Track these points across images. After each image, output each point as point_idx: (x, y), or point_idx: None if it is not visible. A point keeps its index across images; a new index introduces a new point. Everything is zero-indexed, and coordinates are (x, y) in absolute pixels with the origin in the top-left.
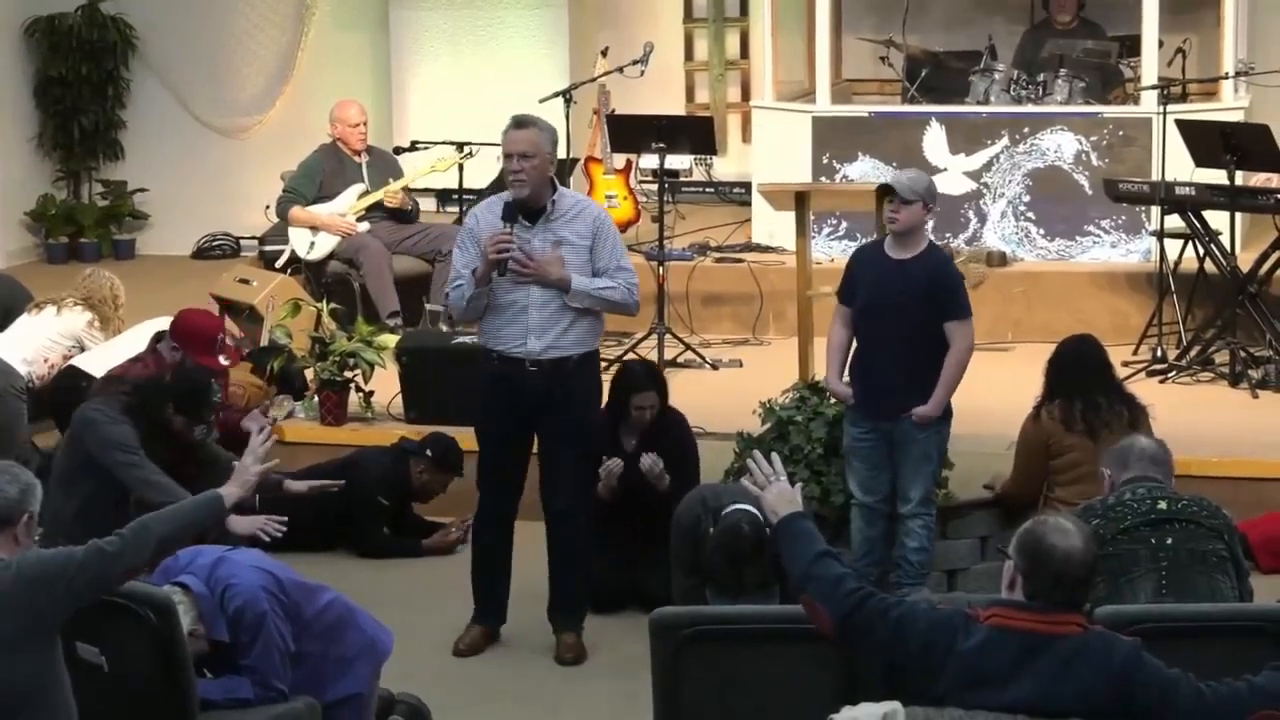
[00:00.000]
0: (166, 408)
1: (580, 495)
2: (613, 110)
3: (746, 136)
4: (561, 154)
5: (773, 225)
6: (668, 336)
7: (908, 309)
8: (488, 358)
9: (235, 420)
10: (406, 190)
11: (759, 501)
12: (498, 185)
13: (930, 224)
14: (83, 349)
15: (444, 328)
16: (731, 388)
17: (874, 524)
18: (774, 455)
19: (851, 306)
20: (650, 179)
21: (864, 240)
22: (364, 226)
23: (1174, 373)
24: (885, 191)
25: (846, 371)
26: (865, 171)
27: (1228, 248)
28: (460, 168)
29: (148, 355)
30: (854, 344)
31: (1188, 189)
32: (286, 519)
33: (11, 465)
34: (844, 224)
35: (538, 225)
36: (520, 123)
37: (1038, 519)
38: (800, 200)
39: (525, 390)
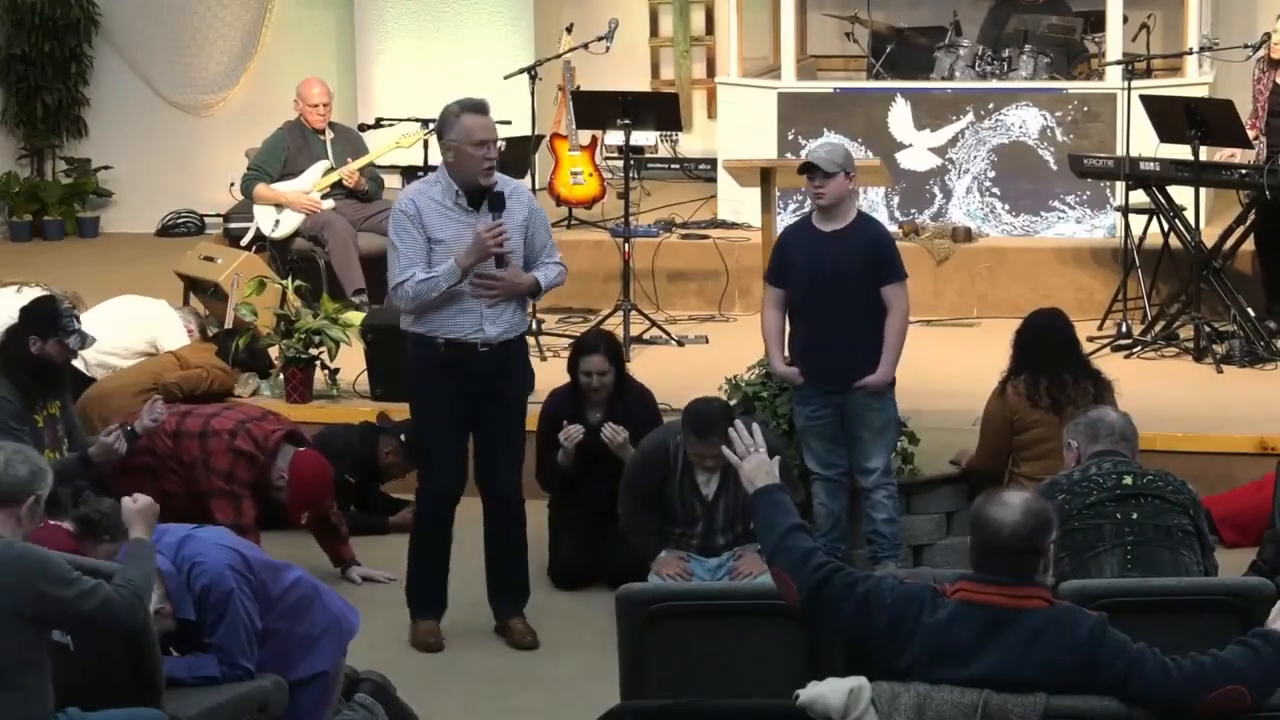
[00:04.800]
0: (28, 340)
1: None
2: (578, 87)
3: (712, 113)
4: (526, 131)
5: (738, 201)
6: (633, 313)
7: (848, 279)
8: (431, 345)
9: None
10: (371, 166)
11: (737, 471)
12: None
13: (855, 191)
14: None
15: None
16: (697, 364)
17: (836, 497)
18: (755, 426)
19: (784, 287)
20: (615, 155)
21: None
22: (329, 204)
23: (1139, 348)
24: (806, 169)
25: (786, 351)
26: None
27: (1192, 223)
28: (425, 144)
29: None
30: (786, 325)
31: (1152, 164)
32: None
33: (26, 448)
34: (809, 200)
35: (483, 210)
36: (488, 108)
37: (992, 492)
38: (765, 176)
39: (472, 374)
